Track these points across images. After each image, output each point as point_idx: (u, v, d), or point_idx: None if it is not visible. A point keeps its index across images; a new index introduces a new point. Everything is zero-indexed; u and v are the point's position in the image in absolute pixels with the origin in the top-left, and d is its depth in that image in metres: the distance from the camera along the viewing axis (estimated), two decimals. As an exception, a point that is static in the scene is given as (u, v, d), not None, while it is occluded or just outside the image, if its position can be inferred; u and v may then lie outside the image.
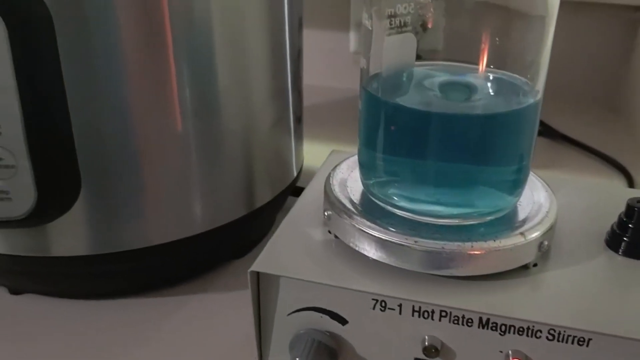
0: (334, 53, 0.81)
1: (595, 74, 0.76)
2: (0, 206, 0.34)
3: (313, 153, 0.56)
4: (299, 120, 0.48)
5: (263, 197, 0.44)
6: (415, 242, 0.29)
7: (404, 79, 0.32)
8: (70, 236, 0.37)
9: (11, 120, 0.32)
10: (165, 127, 0.36)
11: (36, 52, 0.32)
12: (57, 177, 0.35)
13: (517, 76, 0.31)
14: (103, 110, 0.34)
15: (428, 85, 0.32)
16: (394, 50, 0.32)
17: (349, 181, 0.35)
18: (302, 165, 0.51)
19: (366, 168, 0.33)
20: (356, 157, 0.37)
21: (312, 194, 0.37)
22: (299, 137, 0.49)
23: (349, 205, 0.32)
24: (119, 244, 0.38)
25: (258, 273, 0.31)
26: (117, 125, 0.35)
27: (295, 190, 0.50)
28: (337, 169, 0.36)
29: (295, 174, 0.49)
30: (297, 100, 0.47)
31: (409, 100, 0.31)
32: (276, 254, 0.32)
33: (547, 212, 0.32)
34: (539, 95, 0.31)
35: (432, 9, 0.31)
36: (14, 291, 0.42)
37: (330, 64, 0.81)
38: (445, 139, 0.30)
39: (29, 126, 0.33)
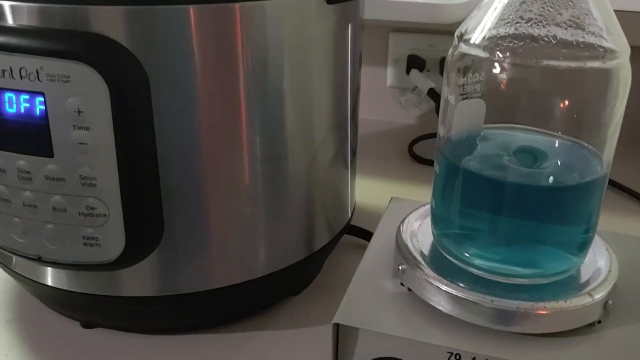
0: (371, 87, 0.84)
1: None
2: (90, 251, 0.37)
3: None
4: (354, 152, 0.50)
5: (322, 239, 0.46)
6: (492, 301, 0.31)
7: (475, 142, 0.34)
8: (140, 278, 0.39)
9: (107, 175, 0.35)
10: (235, 177, 0.39)
11: (133, 112, 0.34)
12: (144, 225, 0.37)
13: (586, 144, 0.33)
14: (184, 163, 0.36)
15: (498, 149, 0.34)
16: (464, 114, 0.34)
17: (419, 235, 0.37)
18: (355, 203, 0.53)
19: (440, 226, 0.35)
20: (423, 208, 0.39)
21: (380, 242, 0.39)
22: (354, 172, 0.51)
23: (421, 260, 0.34)
24: (185, 286, 0.40)
25: (338, 324, 0.33)
26: (193, 176, 0.37)
27: (350, 229, 0.52)
28: (407, 221, 0.38)
29: (350, 213, 0.51)
30: (354, 133, 0.49)
31: (481, 165, 0.33)
32: (354, 307, 0.34)
33: (609, 270, 0.34)
34: (609, 167, 0.33)
35: (502, 76, 0.33)
36: (86, 325, 0.45)
37: (368, 97, 0.84)
38: (516, 205, 0.32)
39: (123, 180, 0.35)
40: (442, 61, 0.79)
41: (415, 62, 0.80)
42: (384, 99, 0.85)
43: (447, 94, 0.33)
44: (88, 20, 0.33)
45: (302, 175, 0.42)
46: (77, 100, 0.33)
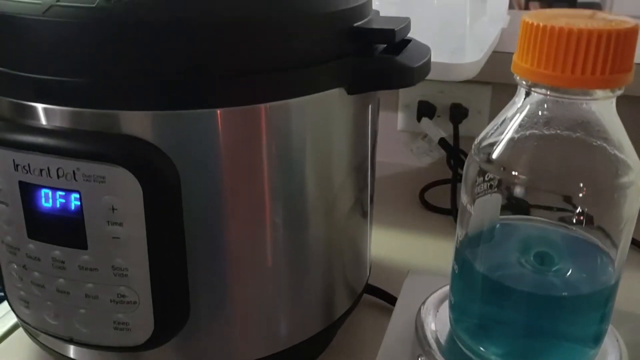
0: (382, 130, 0.85)
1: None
2: (120, 335, 0.38)
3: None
4: (371, 199, 0.51)
5: (342, 306, 0.47)
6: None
7: (492, 237, 0.36)
8: (165, 356, 0.40)
9: (138, 266, 0.36)
10: (259, 263, 0.40)
11: (165, 209, 0.35)
12: (172, 310, 0.38)
13: (600, 244, 0.34)
14: (211, 254, 0.38)
15: (515, 248, 0.35)
16: (481, 210, 0.35)
17: (438, 322, 0.38)
18: (371, 261, 0.54)
19: (457, 318, 0.36)
20: (441, 291, 0.41)
21: (399, 324, 0.41)
22: (371, 226, 0.52)
23: (437, 350, 0.36)
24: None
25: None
26: (220, 265, 0.39)
27: (367, 288, 0.53)
28: (426, 307, 0.39)
29: (368, 270, 0.52)
30: (372, 181, 0.50)
31: (497, 268, 0.34)
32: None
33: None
34: (622, 268, 0.34)
35: (519, 189, 0.35)
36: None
37: (379, 140, 0.85)
38: (531, 309, 0.33)
39: (153, 270, 0.36)
40: (452, 107, 0.80)
41: (425, 108, 0.81)
42: (395, 142, 0.86)
43: (466, 203, 0.35)
44: (119, 122, 0.34)
45: (323, 246, 0.44)
46: (111, 199, 0.35)
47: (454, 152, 0.74)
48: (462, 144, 0.78)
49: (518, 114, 0.32)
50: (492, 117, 0.86)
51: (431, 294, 0.41)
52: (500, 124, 0.33)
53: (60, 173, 0.35)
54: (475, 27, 0.75)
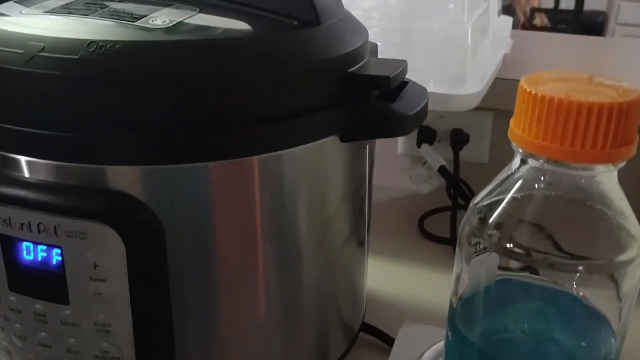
0: (381, 154, 0.84)
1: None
2: (103, 389, 0.37)
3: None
4: (368, 230, 0.50)
5: (337, 348, 0.46)
6: None
7: (487, 301, 0.34)
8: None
9: (122, 322, 0.35)
10: (249, 316, 0.39)
11: (149, 266, 0.34)
12: (157, 364, 0.37)
13: (601, 311, 0.33)
14: (198, 310, 0.37)
15: (510, 313, 0.34)
16: (476, 269, 0.34)
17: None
18: (367, 295, 0.53)
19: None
20: (436, 346, 0.39)
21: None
22: (367, 256, 0.51)
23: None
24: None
25: None
26: (208, 322, 0.37)
27: (363, 326, 0.52)
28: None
29: (364, 307, 0.51)
30: (369, 215, 0.49)
31: (492, 336, 0.33)
32: None
33: None
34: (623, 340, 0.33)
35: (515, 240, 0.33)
36: None
37: (378, 164, 0.84)
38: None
39: (137, 326, 0.35)
40: (453, 133, 0.79)
41: (425, 133, 0.80)
42: (394, 165, 0.85)
43: (460, 270, 0.33)
44: (104, 177, 0.33)
45: (317, 288, 0.42)
46: (94, 255, 0.34)
47: (454, 181, 0.72)
48: (463, 171, 0.77)
49: (515, 177, 0.31)
50: (493, 143, 0.85)
51: (427, 349, 0.39)
52: (499, 185, 0.32)
53: (41, 228, 0.33)
54: (477, 52, 0.74)
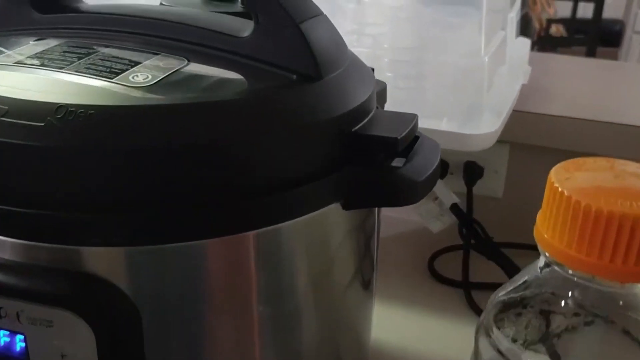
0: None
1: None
2: None
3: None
4: (375, 276, 0.46)
5: None
6: None
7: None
8: None
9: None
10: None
11: (122, 354, 0.30)
12: None
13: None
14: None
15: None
16: None
17: None
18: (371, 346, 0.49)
19: None
20: None
21: None
22: (373, 308, 0.47)
23: None
24: None
25: None
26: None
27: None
28: None
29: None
30: (375, 270, 0.45)
31: None
32: None
33: None
34: None
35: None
36: None
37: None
38: None
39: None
40: (467, 165, 0.75)
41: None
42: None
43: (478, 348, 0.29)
44: (79, 259, 0.29)
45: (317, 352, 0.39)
46: (61, 344, 0.30)
47: (467, 221, 0.68)
48: (476, 205, 0.72)
49: (537, 279, 0.27)
50: (509, 177, 0.80)
51: None
52: (519, 286, 0.28)
53: (3, 313, 0.30)
54: (493, 81, 0.70)
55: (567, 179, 0.23)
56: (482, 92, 0.62)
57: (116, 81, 0.31)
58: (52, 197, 0.28)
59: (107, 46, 0.36)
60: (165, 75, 0.32)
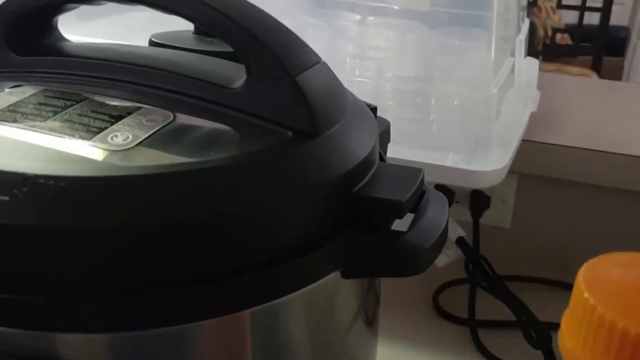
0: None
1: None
2: None
3: None
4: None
5: None
6: None
7: None
8: None
9: None
10: None
11: None
12: None
13: None
14: None
15: None
16: None
17: None
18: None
19: None
20: None
21: None
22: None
23: None
24: None
25: None
26: None
27: None
28: None
29: None
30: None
31: None
32: None
33: None
34: None
35: None
36: None
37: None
38: None
39: None
40: (473, 195, 0.72)
41: (442, 193, 0.73)
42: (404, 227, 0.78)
43: None
44: (53, 347, 0.26)
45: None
46: None
47: (474, 257, 0.65)
48: (483, 236, 0.70)
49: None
50: (517, 207, 0.78)
51: None
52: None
53: (-34, 404, 0.27)
54: (502, 108, 0.67)
55: (598, 286, 0.20)
56: (490, 124, 0.59)
57: (93, 143, 0.29)
58: (20, 279, 0.26)
59: (86, 97, 0.33)
60: (147, 136, 0.29)
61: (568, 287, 0.71)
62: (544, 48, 2.28)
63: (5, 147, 0.28)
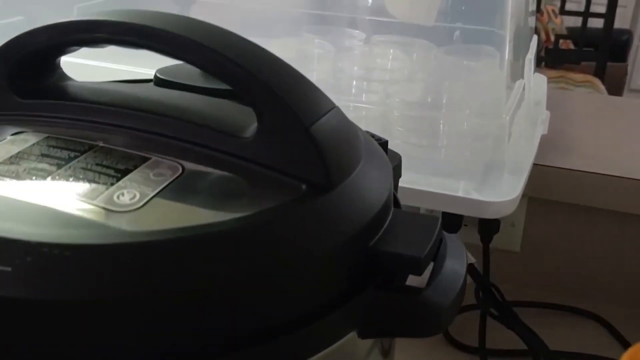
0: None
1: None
2: None
3: None
4: None
5: None
6: None
7: None
8: None
9: None
10: None
11: None
12: None
13: None
14: None
15: None
16: None
17: None
18: None
19: None
20: None
21: None
22: None
23: None
24: None
25: None
26: None
27: None
28: None
29: None
30: None
31: None
32: None
33: None
34: None
35: None
36: None
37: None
38: None
39: None
40: (482, 219, 0.71)
41: (451, 218, 0.71)
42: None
43: None
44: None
45: None
46: None
47: (485, 285, 0.64)
48: (493, 259, 0.68)
49: None
50: (526, 231, 0.76)
51: None
52: None
53: None
54: (512, 128, 0.65)
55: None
56: (502, 151, 0.58)
57: (99, 204, 0.27)
58: (22, 355, 0.24)
59: (91, 147, 0.32)
60: (155, 194, 0.28)
61: (578, 312, 0.70)
62: (547, 54, 2.27)
63: (7, 209, 0.27)
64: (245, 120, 0.32)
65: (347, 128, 0.34)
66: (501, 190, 0.56)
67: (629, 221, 0.68)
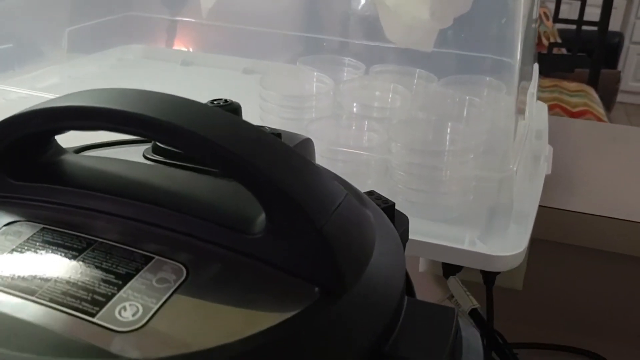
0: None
1: None
2: None
3: None
4: None
5: None
6: None
7: None
8: None
9: None
10: None
11: None
12: None
13: None
14: None
15: None
16: None
17: None
18: None
19: None
20: None
21: None
22: None
23: None
24: None
25: None
26: None
27: None
28: None
29: None
30: None
31: None
32: None
33: None
34: None
35: None
36: None
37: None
38: None
39: None
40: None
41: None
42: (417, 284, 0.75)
43: None
44: None
45: None
46: None
47: (488, 331, 0.63)
48: (495, 298, 0.67)
49: None
50: (528, 274, 0.75)
51: None
52: None
53: None
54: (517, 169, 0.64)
55: None
56: (508, 199, 0.57)
57: (100, 321, 0.26)
58: None
59: (89, 244, 0.30)
60: (159, 306, 0.26)
61: (580, 352, 0.69)
62: (540, 59, 2.26)
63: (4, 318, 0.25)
64: (250, 210, 0.31)
65: (359, 218, 0.32)
66: (507, 240, 0.54)
67: (633, 263, 0.67)
